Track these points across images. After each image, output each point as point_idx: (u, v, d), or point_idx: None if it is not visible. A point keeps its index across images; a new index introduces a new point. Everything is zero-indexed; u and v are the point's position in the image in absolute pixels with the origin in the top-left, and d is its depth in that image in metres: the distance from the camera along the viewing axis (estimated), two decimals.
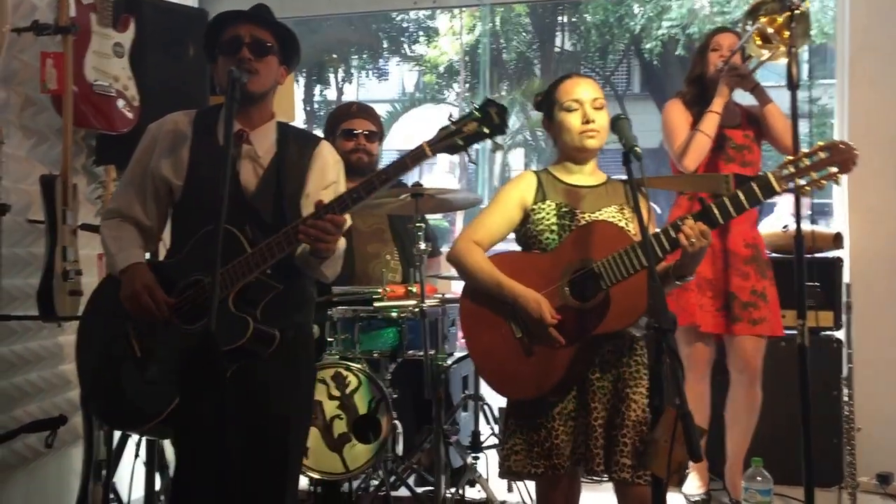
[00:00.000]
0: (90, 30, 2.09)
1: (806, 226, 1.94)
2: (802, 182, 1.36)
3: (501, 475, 1.58)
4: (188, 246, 1.49)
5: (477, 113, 1.34)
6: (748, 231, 2.27)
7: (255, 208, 1.46)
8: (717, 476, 2.44)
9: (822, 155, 1.35)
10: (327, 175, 1.53)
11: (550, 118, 1.58)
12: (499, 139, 1.35)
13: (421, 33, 10.98)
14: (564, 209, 1.53)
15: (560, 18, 10.57)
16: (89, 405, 1.57)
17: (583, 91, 1.54)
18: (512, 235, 1.65)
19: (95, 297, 1.61)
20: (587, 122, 1.52)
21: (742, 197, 1.38)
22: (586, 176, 1.59)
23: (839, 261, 2.58)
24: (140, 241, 1.55)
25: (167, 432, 1.51)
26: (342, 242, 1.50)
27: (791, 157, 1.39)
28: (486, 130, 1.33)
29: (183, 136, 1.54)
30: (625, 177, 1.45)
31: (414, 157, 1.37)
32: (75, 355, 1.59)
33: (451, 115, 1.37)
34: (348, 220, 1.48)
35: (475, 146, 1.38)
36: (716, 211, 1.39)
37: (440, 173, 11.95)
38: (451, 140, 1.35)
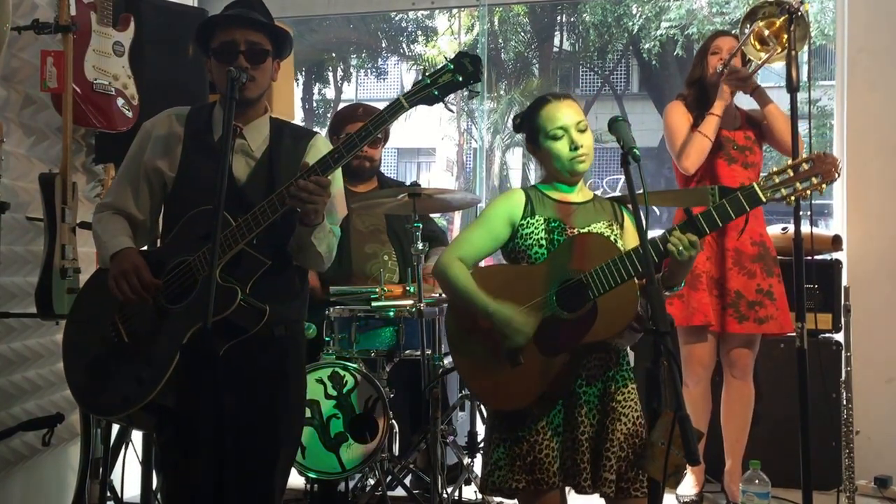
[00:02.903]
0: (90, 29, 2.09)
1: (805, 228, 1.94)
2: (786, 192, 1.40)
3: (483, 490, 1.57)
4: (174, 231, 1.50)
5: (450, 64, 1.36)
6: (755, 229, 2.27)
7: (246, 199, 1.46)
8: (713, 478, 2.45)
9: (806, 166, 1.40)
10: None
11: (535, 143, 1.59)
12: (475, 87, 1.38)
13: (419, 33, 10.98)
14: (553, 224, 1.53)
15: (559, 18, 10.57)
16: (73, 393, 1.54)
17: (566, 116, 1.54)
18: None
19: (85, 289, 1.61)
20: (576, 148, 1.53)
21: (728, 206, 1.41)
22: (574, 194, 1.60)
23: (838, 263, 2.58)
24: (130, 232, 1.55)
25: (150, 421, 1.50)
26: (334, 231, 1.49)
27: (776, 169, 1.43)
28: (461, 78, 1.35)
29: (177, 131, 1.54)
30: (614, 193, 1.45)
31: (392, 111, 1.38)
32: (62, 345, 1.57)
33: (425, 70, 1.38)
34: (338, 182, 1.47)
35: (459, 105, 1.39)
36: (702, 221, 1.42)
37: (438, 172, 11.97)
38: (426, 92, 1.37)
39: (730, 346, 2.30)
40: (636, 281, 1.44)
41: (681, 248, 1.39)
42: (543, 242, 1.52)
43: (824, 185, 1.39)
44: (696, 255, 1.42)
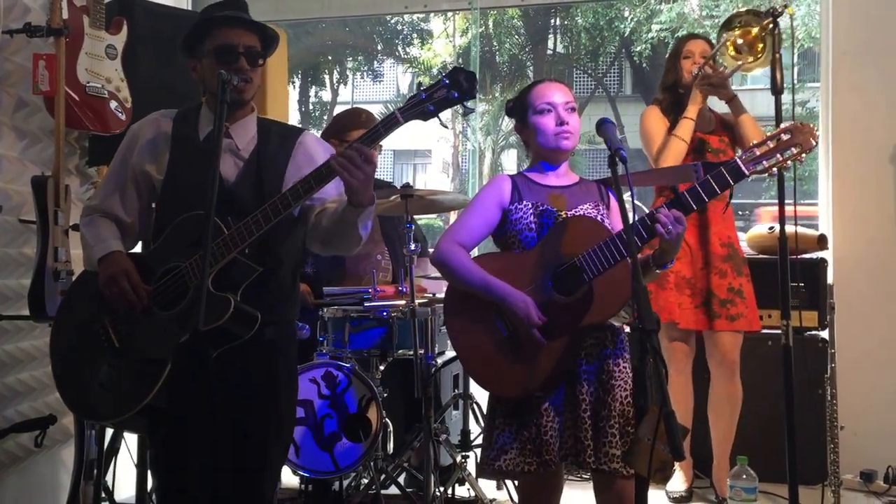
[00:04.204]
0: (83, 32, 2.11)
1: (790, 227, 1.97)
2: (768, 164, 1.41)
3: (488, 475, 1.59)
4: (164, 235, 1.50)
5: (446, 80, 1.37)
6: (723, 231, 2.33)
7: (235, 199, 1.46)
8: (702, 474, 2.48)
9: (785, 137, 1.41)
10: (316, 161, 1.50)
11: (523, 122, 1.61)
12: (469, 103, 1.38)
13: (415, 35, 11.03)
14: (541, 208, 1.55)
15: (552, 21, 10.65)
16: (63, 397, 1.55)
17: (555, 95, 1.57)
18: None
19: (72, 291, 1.61)
20: (561, 123, 1.55)
21: (712, 181, 1.42)
22: (560, 177, 1.62)
23: (823, 262, 2.62)
24: (118, 235, 1.55)
25: (141, 424, 1.51)
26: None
27: (757, 141, 1.43)
28: (456, 95, 1.35)
29: (164, 133, 1.55)
30: (600, 177, 1.48)
31: (386, 125, 1.39)
32: (50, 350, 1.57)
33: (420, 84, 1.40)
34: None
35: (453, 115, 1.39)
36: (688, 197, 1.43)
37: (434, 173, 12.00)
38: (421, 107, 1.37)
39: (714, 345, 2.34)
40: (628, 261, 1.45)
41: (668, 226, 1.40)
42: (533, 226, 1.54)
43: (804, 155, 1.40)
44: (684, 231, 1.43)
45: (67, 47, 2.04)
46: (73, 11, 2.09)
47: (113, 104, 2.16)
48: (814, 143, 1.40)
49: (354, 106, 2.95)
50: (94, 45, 2.13)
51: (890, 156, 2.66)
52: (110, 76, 2.17)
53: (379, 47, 11.31)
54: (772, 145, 1.40)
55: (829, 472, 2.15)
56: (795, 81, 2.11)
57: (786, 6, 2.01)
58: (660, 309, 2.28)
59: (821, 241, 2.63)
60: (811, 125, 1.41)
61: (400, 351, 2.25)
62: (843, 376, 2.27)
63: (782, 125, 1.44)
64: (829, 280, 2.58)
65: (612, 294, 1.44)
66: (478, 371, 1.56)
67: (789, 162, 1.40)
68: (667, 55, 2.51)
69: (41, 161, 2.19)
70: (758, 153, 1.41)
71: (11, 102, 2.13)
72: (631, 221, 1.39)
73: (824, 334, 2.51)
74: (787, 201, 1.97)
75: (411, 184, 2.29)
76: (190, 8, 3.09)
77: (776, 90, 1.98)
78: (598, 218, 1.55)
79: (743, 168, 1.41)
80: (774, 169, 1.41)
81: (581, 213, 1.56)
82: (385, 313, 2.23)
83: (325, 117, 11.45)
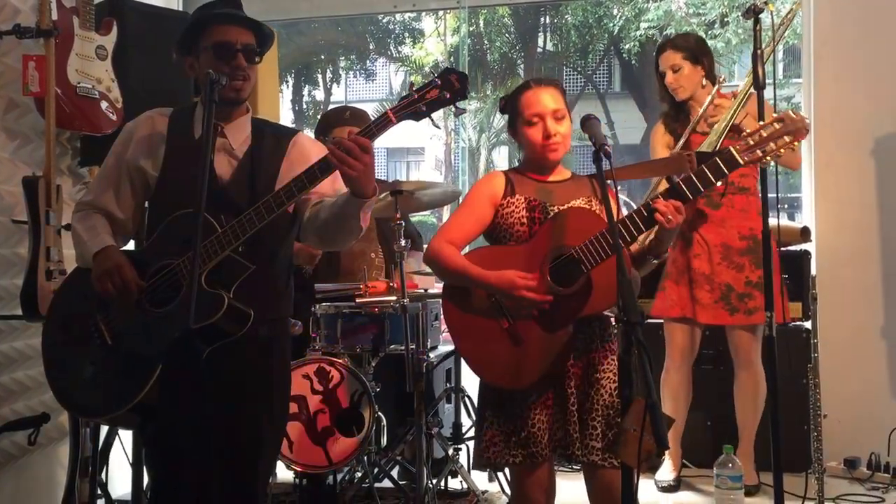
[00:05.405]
0: (73, 33, 2.12)
1: (774, 221, 2.01)
2: (762, 152, 1.44)
3: (478, 466, 1.62)
4: (156, 232, 1.51)
5: (438, 80, 1.39)
6: (744, 223, 2.34)
7: (229, 198, 1.47)
8: (691, 463, 2.53)
9: (777, 126, 1.44)
10: (310, 160, 1.46)
11: (514, 128, 1.64)
12: (461, 104, 1.40)
13: (406, 35, 11.03)
14: (534, 202, 1.57)
15: (542, 20, 10.69)
16: (55, 394, 1.56)
17: (543, 104, 1.57)
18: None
19: (64, 288, 1.61)
20: (548, 136, 1.55)
21: (707, 171, 1.44)
22: (553, 174, 1.64)
23: (807, 254, 2.67)
24: (111, 231, 1.55)
25: (133, 420, 1.52)
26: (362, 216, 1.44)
27: (750, 131, 1.47)
28: (448, 95, 1.37)
29: (160, 131, 1.56)
30: (590, 172, 1.51)
31: (379, 125, 1.41)
32: (42, 344, 1.57)
33: (412, 84, 1.42)
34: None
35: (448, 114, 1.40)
36: (683, 187, 1.45)
37: (427, 171, 12.01)
38: (414, 107, 1.38)
39: (732, 338, 2.38)
40: (626, 250, 1.47)
41: (668, 216, 1.42)
42: (525, 221, 1.56)
43: (796, 143, 1.44)
44: (682, 221, 1.45)
45: (57, 48, 2.05)
46: (63, 12, 2.10)
47: (104, 104, 2.18)
48: (806, 132, 1.43)
49: (342, 104, 2.96)
50: (84, 45, 2.14)
51: (871, 149, 2.71)
52: (101, 77, 2.18)
53: (371, 46, 11.31)
54: (765, 134, 1.43)
55: (814, 460, 2.19)
56: (780, 77, 2.14)
57: (766, 2, 2.04)
58: (672, 304, 2.32)
59: (804, 234, 2.67)
60: (801, 114, 1.44)
61: (392, 346, 2.28)
62: (826, 366, 2.30)
63: (774, 114, 1.46)
64: (813, 271, 2.63)
65: (611, 283, 1.42)
66: (486, 369, 1.55)
67: (783, 150, 1.43)
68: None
69: (33, 161, 2.20)
70: (752, 142, 1.43)
71: (2, 104, 2.13)
72: (615, 215, 1.41)
73: (808, 325, 2.55)
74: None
75: (402, 181, 2.31)
76: (180, 8, 3.10)
77: (758, 86, 2.01)
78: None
79: (738, 157, 1.43)
80: (768, 158, 1.43)
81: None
82: (377, 309, 2.26)
83: (319, 116, 11.43)
